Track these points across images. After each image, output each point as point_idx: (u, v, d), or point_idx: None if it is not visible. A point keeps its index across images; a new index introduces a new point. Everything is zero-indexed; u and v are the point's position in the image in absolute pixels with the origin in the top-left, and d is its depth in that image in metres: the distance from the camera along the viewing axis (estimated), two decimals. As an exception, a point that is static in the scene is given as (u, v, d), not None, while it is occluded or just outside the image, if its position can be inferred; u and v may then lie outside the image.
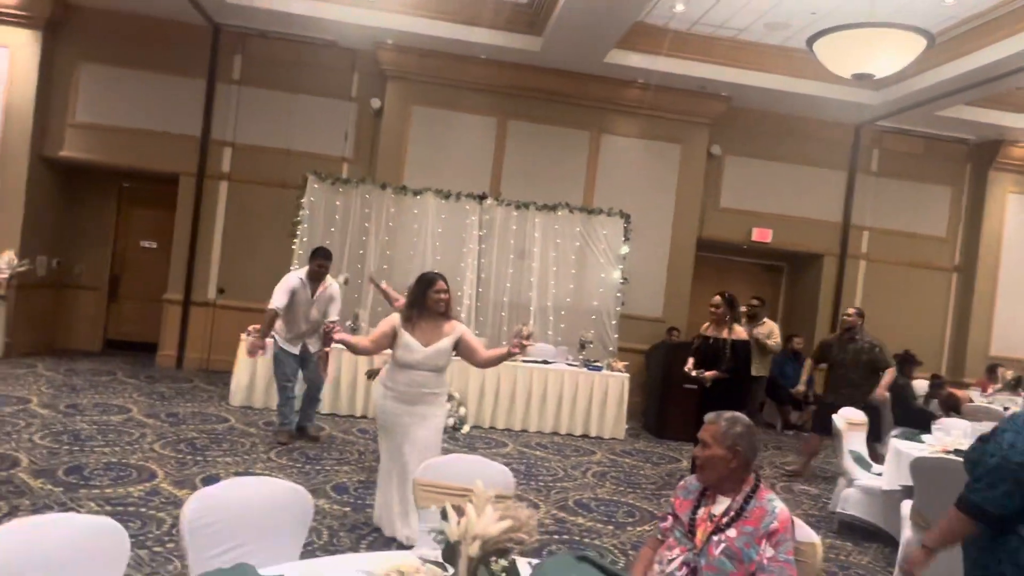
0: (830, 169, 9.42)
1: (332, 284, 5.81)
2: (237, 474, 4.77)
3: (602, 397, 7.20)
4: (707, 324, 5.60)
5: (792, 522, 2.35)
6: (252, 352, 5.73)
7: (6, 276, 7.68)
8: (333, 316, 5.77)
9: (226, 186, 8.47)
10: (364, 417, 6.87)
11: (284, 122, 8.45)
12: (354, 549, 3.77)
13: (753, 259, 10.20)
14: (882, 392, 6.01)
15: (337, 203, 7.87)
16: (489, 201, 8.10)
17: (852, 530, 4.98)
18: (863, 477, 4.99)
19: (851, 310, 6.47)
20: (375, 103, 8.49)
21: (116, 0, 7.85)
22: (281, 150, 8.42)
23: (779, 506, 2.35)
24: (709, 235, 9.19)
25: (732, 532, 2.34)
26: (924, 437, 4.96)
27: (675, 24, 7.70)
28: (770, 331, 8.22)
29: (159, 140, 8.29)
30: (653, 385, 7.94)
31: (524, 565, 1.97)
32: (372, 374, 5.80)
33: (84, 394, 6.53)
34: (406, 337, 3.85)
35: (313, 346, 5.81)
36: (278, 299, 5.49)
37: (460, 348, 3.95)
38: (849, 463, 5.13)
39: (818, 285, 9.53)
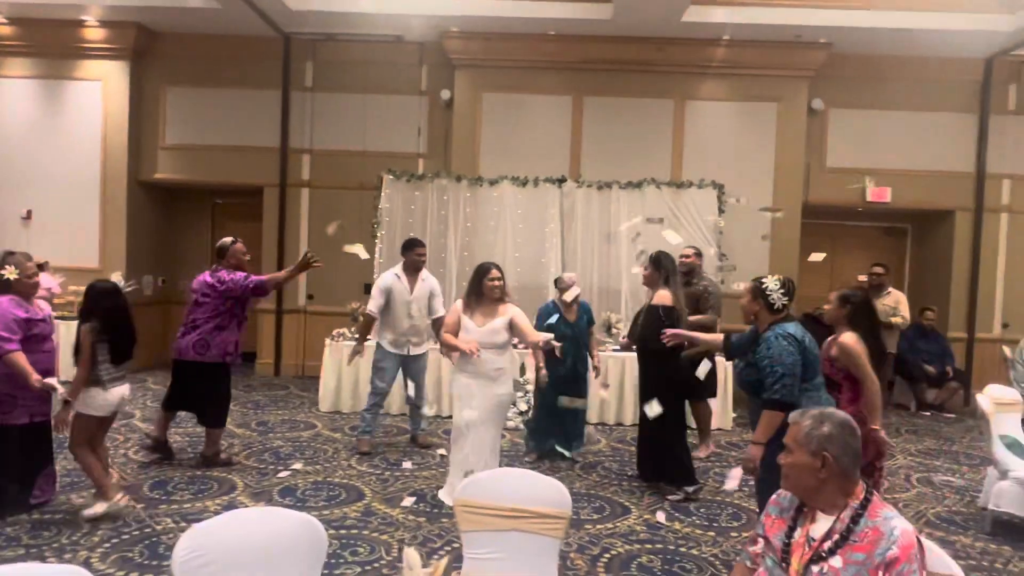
0: (956, 113, 8.24)
1: (429, 276, 5.62)
2: (315, 483, 4.66)
3: (703, 385, 6.60)
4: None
5: (920, 547, 1.82)
6: (351, 359, 5.61)
7: (116, 297, 8.11)
8: (439, 311, 5.55)
9: (307, 193, 8.54)
10: (451, 418, 6.65)
11: (358, 124, 8.40)
12: (424, 567, 3.50)
13: (871, 222, 9.16)
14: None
15: (414, 200, 7.71)
16: (569, 184, 7.67)
17: (1009, 530, 4.20)
18: (1019, 468, 4.18)
19: (688, 249, 5.80)
20: (445, 95, 8.27)
21: (194, 23, 8.05)
22: (357, 152, 8.37)
23: (899, 526, 1.82)
24: (817, 199, 8.30)
25: (837, 561, 1.84)
26: None
27: (759, -31, 6.94)
28: (897, 302, 7.32)
29: (243, 154, 8.46)
30: (761, 368, 7.24)
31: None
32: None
33: (184, 406, 6.71)
34: (465, 320, 4.35)
35: (417, 348, 5.56)
36: (373, 302, 5.39)
37: (513, 328, 4.33)
38: (1000, 451, 4.33)
39: (950, 246, 8.39)
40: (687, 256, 5.81)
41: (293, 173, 8.48)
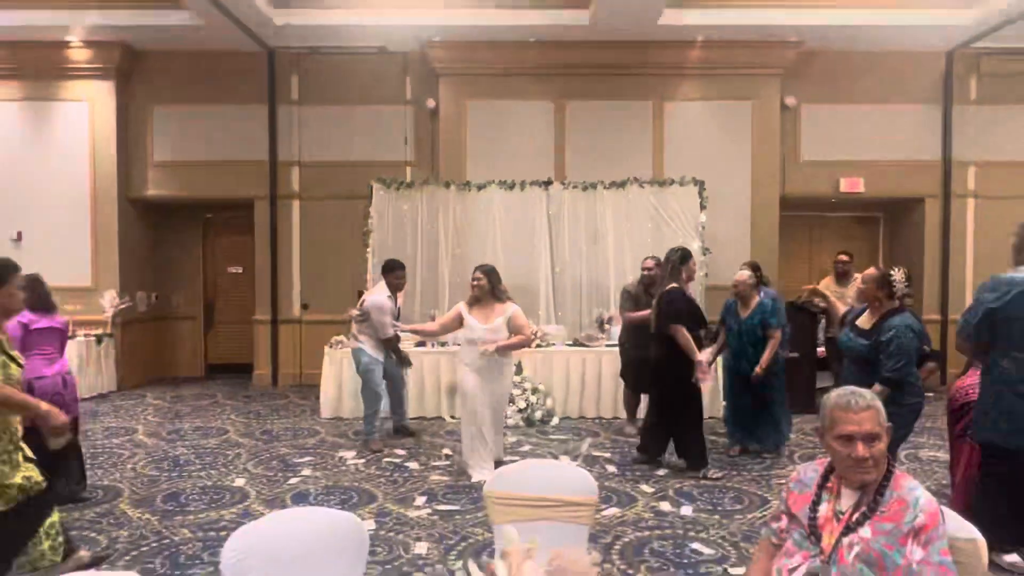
0: (921, 104, 8.40)
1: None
2: (326, 488, 4.63)
3: (695, 375, 6.65)
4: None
5: (942, 514, 1.86)
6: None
7: (111, 314, 7.99)
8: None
9: (298, 205, 8.48)
10: (454, 418, 6.66)
11: (345, 134, 8.37)
12: (442, 562, 3.50)
13: (846, 212, 9.31)
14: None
15: (404, 207, 7.69)
16: (555, 186, 7.71)
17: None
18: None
19: (649, 260, 5.83)
20: (430, 103, 8.25)
21: (178, 41, 7.96)
22: (345, 162, 8.33)
23: (923, 496, 1.87)
24: (793, 192, 8.41)
25: (866, 531, 1.87)
26: None
27: (731, -28, 7.03)
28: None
29: (232, 169, 8.38)
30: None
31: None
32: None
33: (186, 419, 6.63)
34: (469, 318, 4.81)
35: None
36: (388, 328, 5.59)
37: (509, 325, 4.78)
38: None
39: (921, 232, 8.55)
40: (648, 268, 5.82)
41: (283, 185, 8.42)
